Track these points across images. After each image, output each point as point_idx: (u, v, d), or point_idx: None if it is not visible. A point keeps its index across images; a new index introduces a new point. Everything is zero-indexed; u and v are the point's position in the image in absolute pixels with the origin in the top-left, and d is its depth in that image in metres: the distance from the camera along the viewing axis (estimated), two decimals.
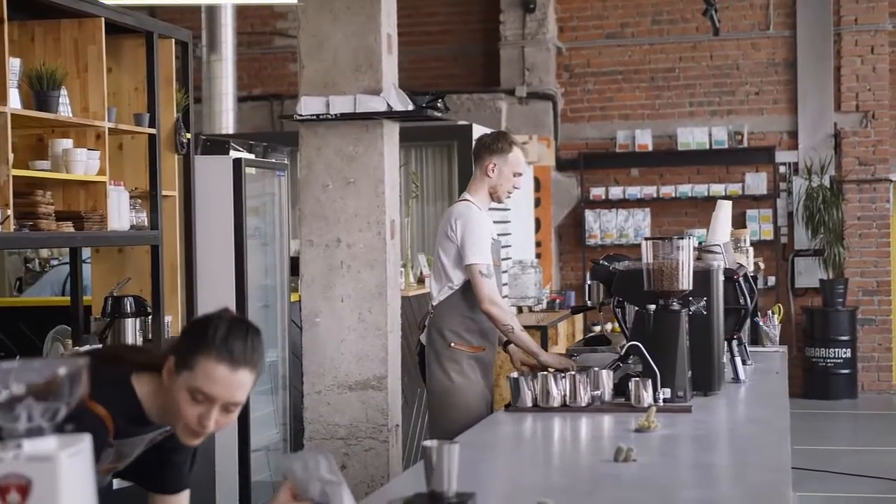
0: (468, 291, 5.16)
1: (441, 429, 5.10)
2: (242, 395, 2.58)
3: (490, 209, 5.25)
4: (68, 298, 5.71)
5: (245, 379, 2.57)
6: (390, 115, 5.72)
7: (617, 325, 12.15)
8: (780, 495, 2.78)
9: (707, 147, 12.68)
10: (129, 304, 5.37)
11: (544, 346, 8.82)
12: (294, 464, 2.48)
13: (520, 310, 10.30)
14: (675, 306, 4.36)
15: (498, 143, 5.31)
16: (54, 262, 8.26)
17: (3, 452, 1.70)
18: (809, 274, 12.55)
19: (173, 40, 5.86)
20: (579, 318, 11.16)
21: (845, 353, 12.21)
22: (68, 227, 4.92)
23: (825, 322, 12.25)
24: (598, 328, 12.30)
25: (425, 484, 2.70)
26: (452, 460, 2.69)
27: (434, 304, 5.30)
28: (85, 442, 1.76)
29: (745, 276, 5.28)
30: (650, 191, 12.78)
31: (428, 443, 2.69)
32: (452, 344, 5.19)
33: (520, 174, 5.34)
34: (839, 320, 12.23)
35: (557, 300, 10.87)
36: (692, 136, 12.71)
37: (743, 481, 3.02)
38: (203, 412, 2.56)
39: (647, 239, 4.40)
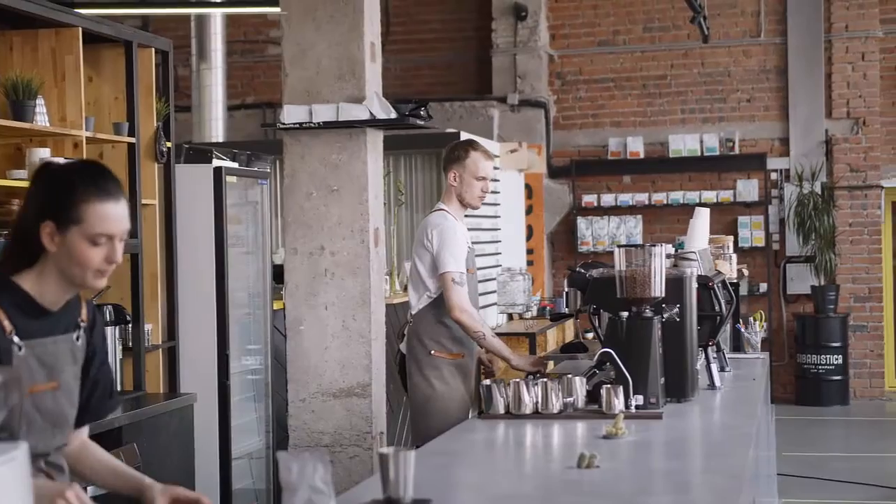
0: None
1: (422, 435, 5.14)
2: (128, 221, 2.72)
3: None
4: None
5: (126, 208, 2.72)
6: (373, 123, 5.74)
7: None
8: (734, 501, 2.79)
9: (699, 154, 12.69)
10: (108, 313, 5.38)
11: (532, 353, 8.83)
12: (292, 463, 2.51)
13: (509, 317, 10.32)
14: (648, 313, 4.37)
15: (454, 151, 5.39)
16: None
17: None
18: (801, 280, 12.56)
19: (153, 49, 5.88)
20: (570, 324, 11.16)
21: (837, 359, 12.21)
22: None
23: (817, 328, 12.25)
24: (590, 335, 12.29)
25: (381, 491, 2.72)
26: (408, 467, 2.71)
27: (413, 312, 5.37)
28: (20, 450, 1.78)
29: (724, 282, 5.29)
30: (642, 198, 12.79)
31: (384, 450, 2.72)
32: (432, 352, 5.26)
33: (483, 178, 5.36)
34: (831, 327, 12.24)
35: (548, 307, 10.88)
36: (684, 144, 12.72)
37: (700, 487, 3.03)
38: (107, 251, 2.67)
39: (619, 246, 4.41)
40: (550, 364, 5.36)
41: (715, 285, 4.98)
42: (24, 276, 2.69)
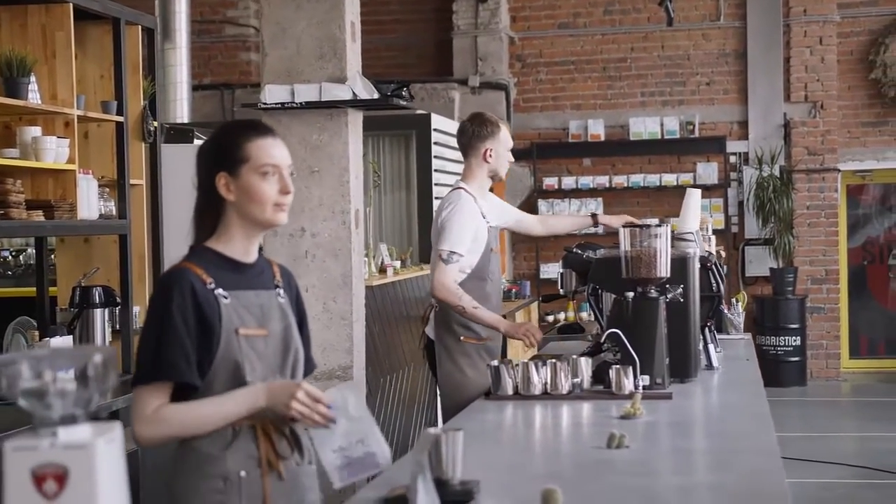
0: (472, 282, 5.11)
1: None
2: (290, 156, 2.91)
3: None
4: (34, 289, 5.62)
5: (282, 142, 2.90)
6: (355, 103, 5.70)
7: (573, 313, 12.13)
8: (777, 481, 2.79)
9: (659, 137, 12.75)
10: (97, 295, 5.29)
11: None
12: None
13: None
14: (653, 293, 4.37)
15: (487, 127, 5.31)
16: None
17: (38, 441, 1.67)
18: (760, 263, 12.68)
19: (140, 27, 5.78)
20: (534, 307, 11.20)
21: (795, 340, 12.36)
22: (38, 216, 4.85)
23: (775, 310, 12.38)
24: (551, 318, 12.34)
25: (430, 471, 2.69)
26: (457, 447, 2.69)
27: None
28: (117, 430, 1.74)
29: (716, 263, 5.32)
30: (602, 180, 12.84)
31: (433, 430, 2.69)
32: (462, 338, 5.15)
33: (511, 146, 5.42)
34: (789, 308, 12.38)
35: (513, 290, 10.90)
36: (644, 126, 12.78)
37: (737, 467, 3.01)
38: (280, 183, 2.84)
39: (625, 226, 4.40)
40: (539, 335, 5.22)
41: (712, 265, 5.00)
42: (209, 241, 2.87)
